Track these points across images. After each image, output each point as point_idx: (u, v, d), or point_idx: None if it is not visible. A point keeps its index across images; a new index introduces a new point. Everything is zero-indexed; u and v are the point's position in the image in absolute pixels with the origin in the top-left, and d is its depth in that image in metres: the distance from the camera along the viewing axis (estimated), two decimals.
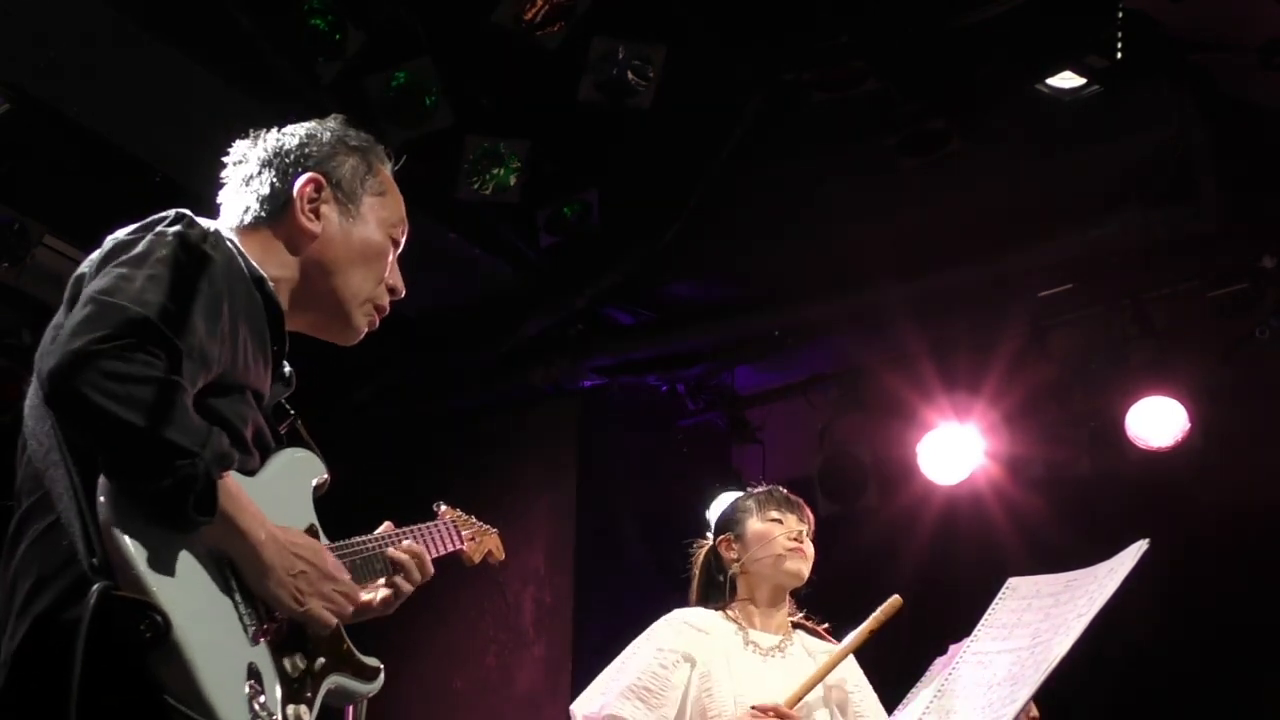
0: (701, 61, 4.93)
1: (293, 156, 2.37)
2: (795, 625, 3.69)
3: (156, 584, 1.88)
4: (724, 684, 3.47)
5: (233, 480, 2.01)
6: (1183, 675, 5.49)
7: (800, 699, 3.40)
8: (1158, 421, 5.51)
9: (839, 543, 6.38)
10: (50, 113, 4.79)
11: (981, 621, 3.14)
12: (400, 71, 4.79)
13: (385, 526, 2.50)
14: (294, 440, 2.35)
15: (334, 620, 2.14)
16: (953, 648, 3.20)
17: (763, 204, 5.59)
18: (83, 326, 1.90)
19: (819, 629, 3.71)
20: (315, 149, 2.38)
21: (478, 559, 2.90)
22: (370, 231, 2.39)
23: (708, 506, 6.49)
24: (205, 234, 2.14)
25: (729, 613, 3.64)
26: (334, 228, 2.35)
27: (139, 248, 2.05)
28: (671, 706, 3.44)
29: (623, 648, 3.65)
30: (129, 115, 4.79)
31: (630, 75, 4.78)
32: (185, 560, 1.95)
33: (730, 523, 3.74)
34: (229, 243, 2.21)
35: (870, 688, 3.65)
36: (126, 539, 1.89)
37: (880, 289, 5.76)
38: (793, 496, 3.80)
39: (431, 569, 2.49)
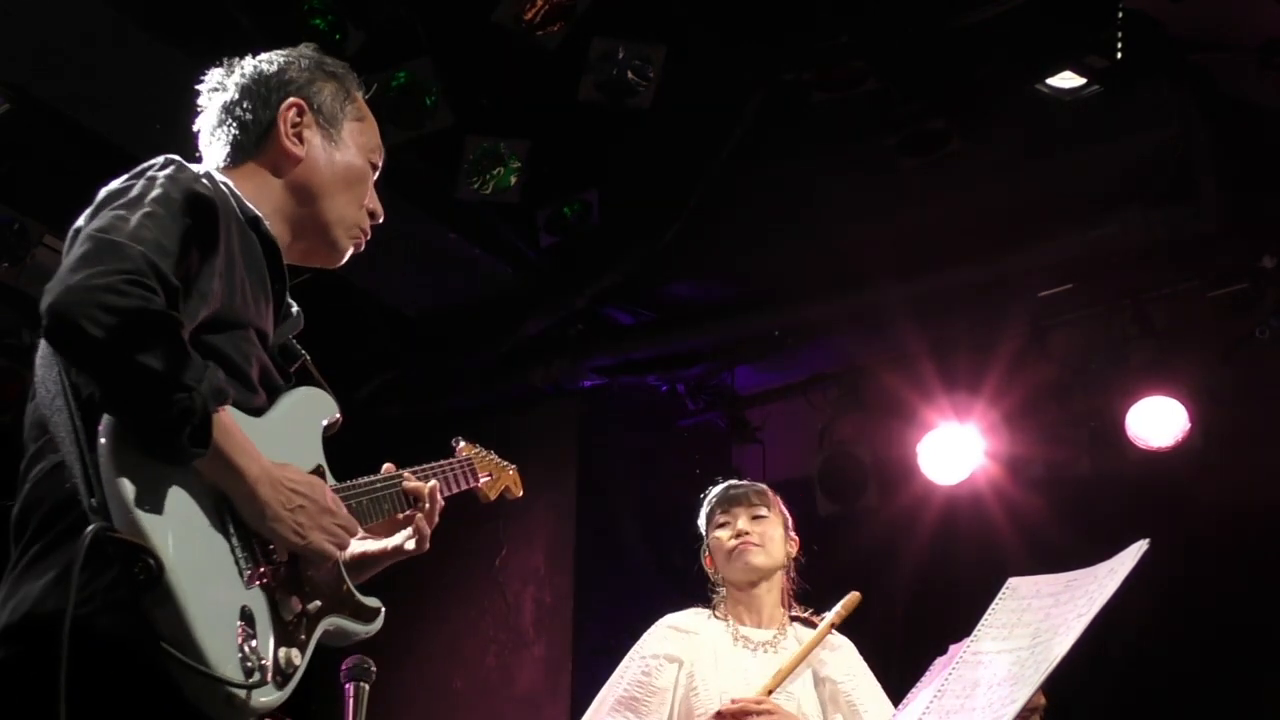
0: (701, 61, 4.93)
1: (274, 82, 2.38)
2: (794, 619, 3.74)
3: (151, 526, 1.89)
4: (710, 681, 3.53)
5: (227, 416, 2.00)
6: (1183, 675, 5.48)
7: (777, 686, 3.45)
8: (1158, 421, 5.52)
9: (839, 543, 6.39)
10: (50, 113, 4.79)
11: (981, 621, 3.14)
12: (400, 71, 4.79)
13: (386, 468, 2.49)
14: (304, 380, 2.35)
15: (336, 553, 2.14)
16: (953, 648, 3.20)
17: (763, 204, 5.59)
18: (80, 263, 1.91)
19: (816, 621, 3.73)
20: (295, 74, 2.40)
21: (493, 495, 2.91)
22: (351, 156, 2.41)
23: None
24: (197, 176, 2.16)
25: (718, 612, 3.72)
26: (317, 151, 2.37)
27: (133, 191, 2.07)
28: (661, 711, 3.51)
29: (623, 647, 3.73)
30: (129, 115, 4.79)
31: (630, 75, 4.78)
32: (181, 502, 1.95)
33: (702, 536, 3.84)
34: (222, 184, 2.22)
35: (869, 676, 3.69)
36: (123, 481, 1.90)
37: (880, 289, 5.76)
38: (735, 488, 3.82)
39: (441, 504, 2.51)
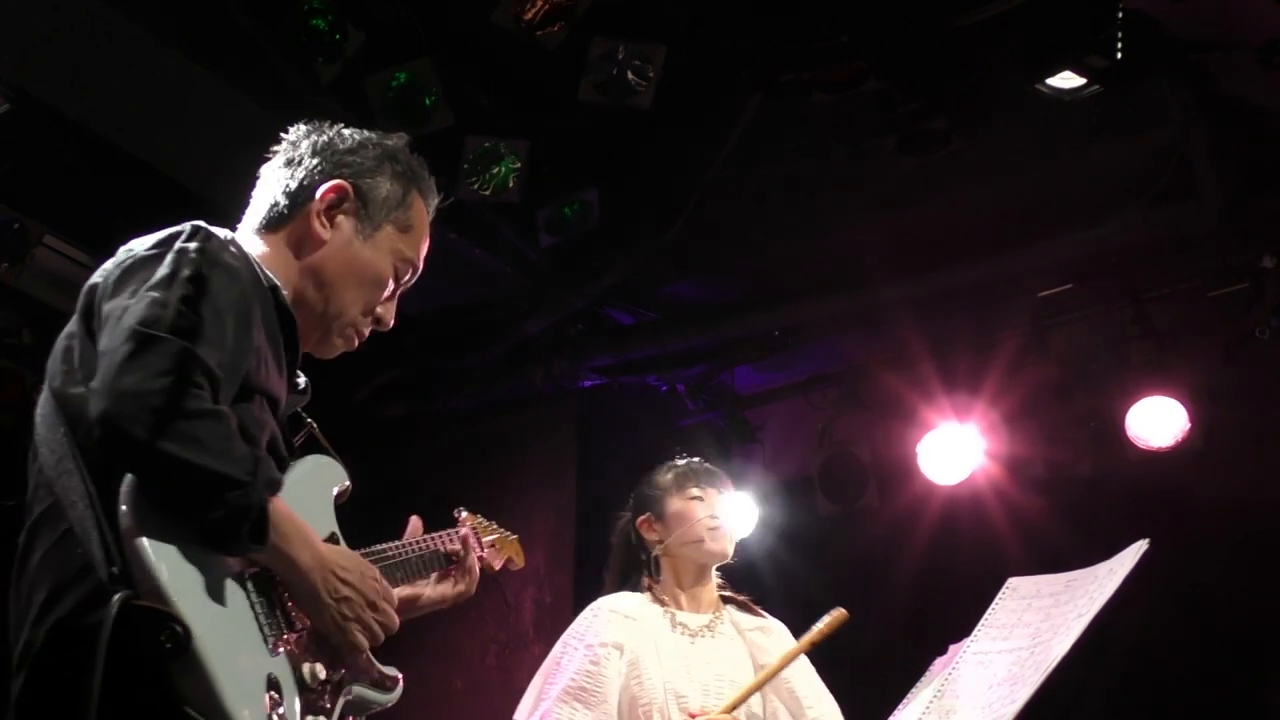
0: (701, 61, 4.93)
1: (336, 158, 2.34)
2: (725, 600, 3.64)
3: (177, 594, 1.87)
4: (653, 671, 3.42)
5: (283, 504, 2.01)
6: (1183, 675, 5.48)
7: (742, 703, 3.37)
8: (1158, 421, 5.51)
9: (839, 543, 6.40)
10: (50, 113, 4.78)
11: (981, 621, 3.14)
12: (400, 71, 4.78)
13: (413, 525, 2.49)
14: (311, 449, 2.34)
15: (367, 647, 2.14)
16: (953, 648, 3.20)
17: (763, 204, 5.59)
18: (129, 364, 1.89)
19: (749, 602, 3.66)
20: (360, 160, 2.36)
21: (498, 566, 2.89)
22: (378, 258, 2.35)
23: None
24: (224, 245, 2.12)
25: (654, 595, 3.59)
26: (343, 240, 2.32)
27: (164, 268, 2.02)
28: (611, 702, 3.39)
29: None
30: (129, 115, 4.79)
31: (630, 75, 4.77)
32: (205, 571, 1.94)
33: (649, 500, 3.67)
34: (245, 251, 2.19)
35: (808, 669, 3.60)
36: (148, 548, 1.88)
37: (880, 289, 5.76)
38: (713, 467, 3.73)
39: (477, 552, 2.60)
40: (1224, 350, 5.60)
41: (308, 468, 2.27)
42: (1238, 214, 5.19)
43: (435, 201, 2.47)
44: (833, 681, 3.66)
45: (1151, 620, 5.04)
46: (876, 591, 6.13)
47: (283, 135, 2.40)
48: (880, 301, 5.81)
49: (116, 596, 1.85)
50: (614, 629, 3.49)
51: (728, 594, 3.65)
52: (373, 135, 2.42)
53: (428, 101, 4.82)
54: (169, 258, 2.04)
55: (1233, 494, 5.50)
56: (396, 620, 2.21)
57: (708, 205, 5.47)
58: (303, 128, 2.40)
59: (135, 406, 1.85)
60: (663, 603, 3.57)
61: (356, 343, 2.42)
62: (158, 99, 4.73)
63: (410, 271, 2.43)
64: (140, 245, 2.12)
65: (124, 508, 1.90)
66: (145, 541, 1.88)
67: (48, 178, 5.15)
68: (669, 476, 3.67)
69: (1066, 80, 4.70)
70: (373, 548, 2.33)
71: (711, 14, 4.76)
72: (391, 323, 2.43)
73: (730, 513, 3.66)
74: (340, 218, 2.32)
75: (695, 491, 3.62)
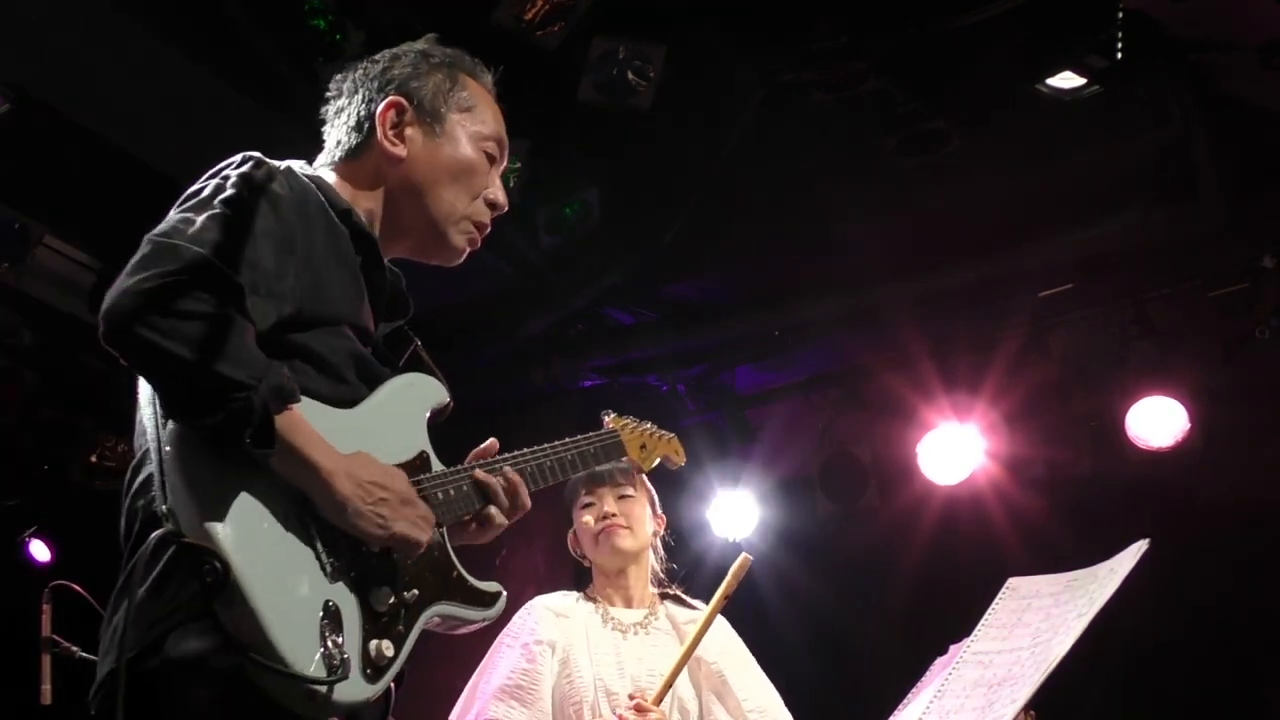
0: (701, 61, 4.93)
1: (377, 82, 2.37)
2: (663, 596, 3.64)
3: (218, 528, 1.87)
4: (584, 668, 3.42)
5: (296, 414, 1.97)
6: (1183, 675, 5.48)
7: (669, 687, 3.33)
8: (1158, 421, 5.52)
9: (839, 543, 6.40)
10: (50, 113, 4.79)
11: (981, 621, 3.14)
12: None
13: (489, 445, 2.43)
14: (415, 366, 2.33)
15: (423, 540, 2.09)
16: (953, 648, 3.20)
17: (763, 204, 5.59)
18: (136, 266, 1.91)
19: (685, 596, 3.65)
20: (398, 70, 2.39)
21: (648, 466, 2.89)
22: (458, 148, 2.37)
23: (708, 506, 6.51)
24: (274, 172, 2.13)
25: (589, 593, 3.62)
26: (418, 148, 2.34)
27: (205, 192, 2.05)
28: (546, 700, 3.39)
29: None
30: (129, 115, 4.79)
31: (630, 75, 4.77)
32: (250, 502, 1.93)
33: (570, 518, 3.69)
34: (305, 178, 2.21)
35: (742, 651, 3.58)
36: (189, 484, 1.89)
37: (880, 289, 5.76)
38: (606, 465, 3.66)
39: (527, 502, 2.42)
40: (1224, 350, 5.60)
41: (397, 386, 2.24)
42: (1238, 214, 5.19)
43: (488, 76, 2.49)
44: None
45: (1151, 620, 5.04)
46: (876, 591, 6.13)
47: (326, 93, 2.43)
48: (880, 301, 5.82)
49: (155, 533, 1.88)
50: (547, 626, 3.50)
51: (665, 591, 3.65)
52: (400, 46, 2.46)
53: None
54: (212, 183, 2.07)
55: (1233, 494, 5.51)
56: (434, 516, 2.15)
57: (708, 205, 5.47)
58: (339, 75, 2.43)
59: (130, 302, 1.86)
60: (594, 600, 3.60)
61: (479, 237, 2.42)
62: (158, 99, 4.73)
63: (497, 145, 2.43)
64: (199, 181, 2.13)
65: (167, 447, 1.92)
66: (187, 478, 1.90)
67: (48, 178, 5.15)
68: (570, 491, 3.67)
69: (1066, 80, 4.71)
70: (431, 473, 2.24)
71: (711, 14, 4.76)
72: (505, 203, 2.43)
73: (632, 502, 3.58)
74: (407, 130, 2.34)
75: (586, 499, 3.62)
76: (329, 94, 2.43)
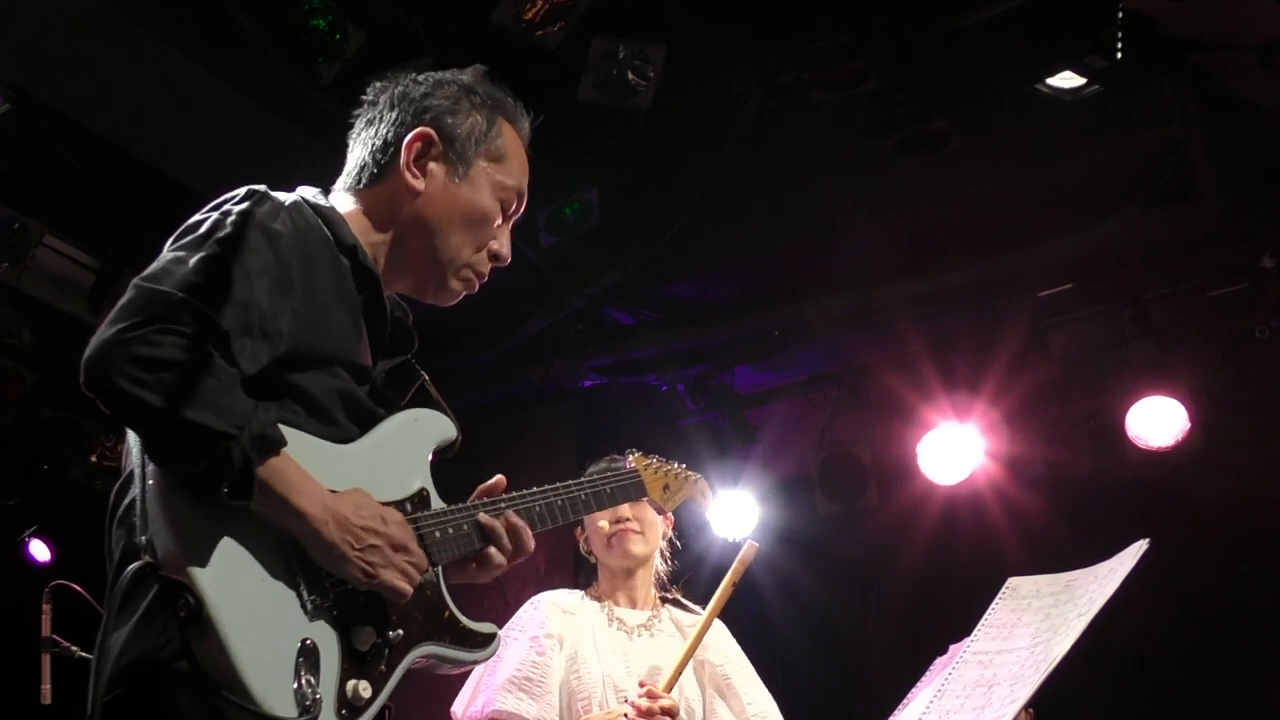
0: (701, 61, 4.93)
1: (414, 108, 2.32)
2: (665, 600, 3.66)
3: (194, 562, 1.87)
4: (592, 665, 3.43)
5: (285, 459, 1.95)
6: (1183, 675, 5.48)
7: (678, 678, 3.35)
8: (1158, 421, 5.52)
9: (839, 543, 6.40)
10: (50, 113, 4.79)
11: (981, 621, 3.14)
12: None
13: (496, 481, 2.37)
14: (424, 401, 2.30)
15: (408, 591, 2.06)
16: (953, 648, 3.20)
17: (763, 204, 5.58)
18: (119, 314, 1.89)
19: (686, 602, 3.67)
20: (437, 101, 2.33)
21: (670, 506, 2.87)
22: (477, 195, 2.32)
23: (708, 506, 6.50)
24: (277, 209, 2.09)
25: (593, 592, 3.63)
26: (438, 186, 2.29)
27: (202, 228, 2.02)
28: (554, 693, 3.40)
29: None
30: (129, 115, 4.79)
31: (630, 75, 4.77)
32: (230, 536, 1.92)
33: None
34: (314, 210, 2.17)
35: (743, 658, 3.61)
36: (167, 517, 1.88)
37: (880, 289, 5.76)
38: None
39: (530, 545, 2.33)
40: (1224, 350, 5.60)
41: (403, 420, 2.21)
42: (1237, 214, 5.19)
43: (526, 124, 2.46)
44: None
45: (1152, 620, 5.04)
46: (876, 591, 6.13)
47: (362, 96, 2.38)
48: (880, 301, 5.81)
49: (131, 566, 1.87)
50: (555, 621, 3.51)
51: (668, 595, 3.67)
52: (447, 74, 2.38)
53: None
54: (210, 219, 2.03)
55: (1233, 494, 5.50)
56: (426, 561, 2.12)
57: (708, 205, 5.47)
58: (379, 84, 2.38)
59: (110, 351, 1.85)
60: (600, 599, 3.61)
61: (477, 284, 2.40)
62: (158, 99, 4.73)
63: (516, 199, 2.39)
64: (199, 213, 2.10)
65: (150, 481, 1.91)
66: (166, 510, 1.89)
67: (48, 178, 5.15)
68: None
69: (1066, 80, 4.71)
70: (431, 512, 2.21)
71: (711, 14, 4.76)
72: (509, 257, 2.39)
73: (645, 507, 3.58)
74: (431, 164, 2.29)
75: None
76: (365, 97, 2.38)
